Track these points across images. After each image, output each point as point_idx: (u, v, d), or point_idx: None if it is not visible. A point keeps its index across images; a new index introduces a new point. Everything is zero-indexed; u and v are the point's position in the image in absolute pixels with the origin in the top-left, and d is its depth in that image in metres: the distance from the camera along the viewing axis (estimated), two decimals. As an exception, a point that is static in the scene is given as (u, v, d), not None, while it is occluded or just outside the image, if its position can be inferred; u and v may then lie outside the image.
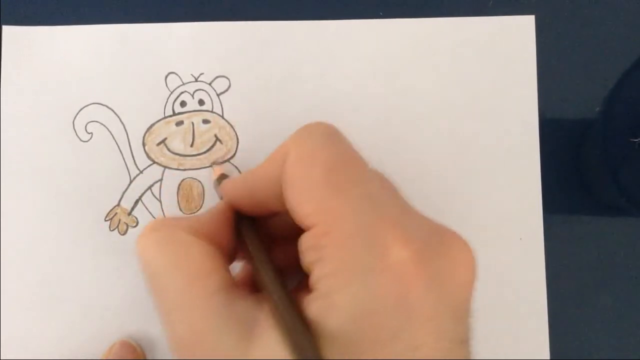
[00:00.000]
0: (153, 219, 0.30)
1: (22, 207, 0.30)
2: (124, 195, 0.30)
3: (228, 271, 0.18)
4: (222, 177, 0.26)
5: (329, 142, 0.17)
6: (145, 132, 0.30)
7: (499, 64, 0.30)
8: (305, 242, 0.16)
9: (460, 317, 0.16)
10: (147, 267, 0.18)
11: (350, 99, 0.30)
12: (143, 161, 0.30)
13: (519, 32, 0.31)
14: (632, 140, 0.26)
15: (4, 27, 0.31)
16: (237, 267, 0.22)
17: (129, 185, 0.30)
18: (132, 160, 0.30)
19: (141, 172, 0.30)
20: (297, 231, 0.17)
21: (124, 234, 0.29)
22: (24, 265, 0.29)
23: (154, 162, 0.30)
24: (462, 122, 0.30)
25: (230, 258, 0.20)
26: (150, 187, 0.30)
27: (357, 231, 0.15)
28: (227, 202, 0.21)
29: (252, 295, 0.17)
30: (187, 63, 0.31)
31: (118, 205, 0.30)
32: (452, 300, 0.16)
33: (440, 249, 0.16)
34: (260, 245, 0.19)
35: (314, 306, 0.15)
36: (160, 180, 0.30)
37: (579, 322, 0.29)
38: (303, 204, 0.16)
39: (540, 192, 0.30)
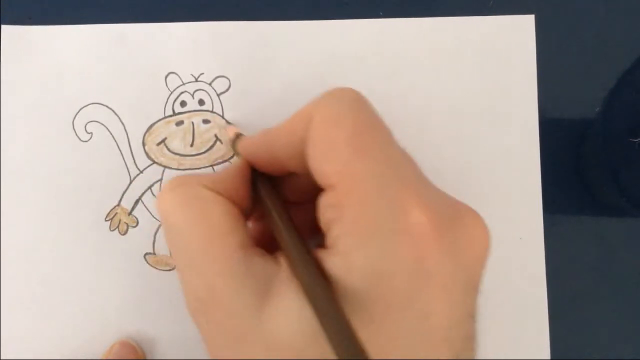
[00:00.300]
0: (154, 219, 0.30)
1: (22, 207, 0.30)
2: (124, 195, 0.30)
3: (246, 230, 0.18)
4: (239, 135, 0.26)
5: (355, 106, 0.17)
6: (145, 132, 0.30)
7: (499, 64, 0.30)
8: (325, 200, 0.16)
9: (471, 290, 0.16)
10: (167, 222, 0.18)
11: (350, 99, 0.30)
12: (143, 161, 0.30)
13: (519, 31, 0.31)
14: (632, 140, 0.26)
15: (4, 27, 0.31)
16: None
17: (129, 185, 0.30)
18: (132, 160, 0.30)
19: (141, 172, 0.30)
20: (313, 194, 0.17)
21: (124, 234, 0.29)
22: (24, 265, 0.29)
23: (154, 162, 0.30)
24: (462, 122, 0.30)
25: (246, 216, 0.20)
26: (150, 187, 0.30)
27: (378, 193, 0.15)
28: (244, 160, 0.21)
29: (269, 254, 0.18)
30: (187, 63, 0.31)
31: (118, 205, 0.30)
32: (466, 272, 0.16)
33: (457, 220, 0.16)
34: (279, 201, 0.19)
35: (331, 263, 0.15)
36: (161, 180, 0.30)
37: (579, 322, 0.29)
38: (326, 164, 0.16)
39: (540, 192, 0.30)
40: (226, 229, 0.17)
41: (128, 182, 0.30)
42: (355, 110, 0.17)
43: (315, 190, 0.18)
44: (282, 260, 0.17)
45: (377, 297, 0.15)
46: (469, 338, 0.16)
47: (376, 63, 0.31)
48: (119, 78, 0.31)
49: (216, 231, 0.17)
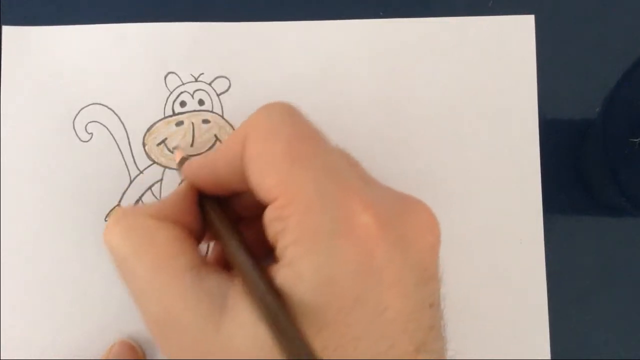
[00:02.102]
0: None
1: (22, 207, 0.30)
2: (124, 196, 0.30)
3: (196, 251, 0.18)
4: (184, 159, 0.26)
5: (287, 119, 0.18)
6: (146, 132, 0.30)
7: (499, 64, 0.30)
8: (269, 215, 0.17)
9: (425, 280, 0.17)
10: (115, 255, 0.18)
11: (350, 99, 0.30)
12: (143, 161, 0.30)
13: (519, 32, 0.31)
14: (632, 140, 0.26)
15: (4, 27, 0.31)
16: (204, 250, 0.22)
17: (129, 185, 0.30)
18: (132, 161, 0.30)
19: (141, 172, 0.30)
20: (260, 210, 0.17)
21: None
22: (24, 265, 0.29)
23: (154, 162, 0.30)
24: (462, 122, 0.30)
25: (197, 239, 0.21)
26: (150, 187, 0.30)
27: (318, 199, 0.16)
28: (189, 184, 0.21)
29: (223, 271, 0.18)
30: (187, 63, 0.31)
31: (118, 205, 0.30)
32: (416, 264, 0.16)
33: (402, 214, 0.17)
34: (226, 220, 0.19)
35: (280, 275, 0.16)
36: (161, 180, 0.30)
37: (579, 322, 0.29)
38: (265, 178, 0.17)
39: (540, 192, 0.30)
40: (173, 252, 0.18)
41: (128, 182, 0.30)
42: (287, 123, 0.17)
43: (263, 205, 0.18)
44: (236, 279, 0.17)
45: (328, 302, 0.15)
46: (432, 328, 0.16)
47: (376, 63, 0.31)
48: (119, 78, 0.31)
49: (163, 256, 0.17)
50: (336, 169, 0.17)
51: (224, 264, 0.19)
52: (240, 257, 0.17)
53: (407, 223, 0.17)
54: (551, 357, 0.28)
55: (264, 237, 0.17)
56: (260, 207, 0.17)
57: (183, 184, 0.21)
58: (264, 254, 0.18)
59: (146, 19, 0.31)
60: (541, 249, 0.29)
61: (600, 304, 0.30)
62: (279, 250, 0.16)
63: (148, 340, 0.29)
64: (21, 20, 0.31)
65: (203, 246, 0.22)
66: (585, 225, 0.30)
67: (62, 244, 0.29)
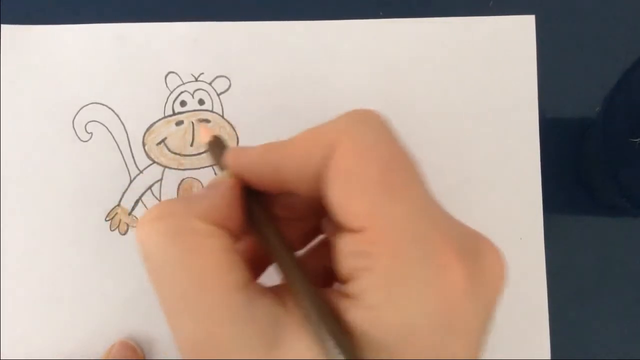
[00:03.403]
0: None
1: (22, 207, 0.30)
2: (124, 195, 0.30)
3: (245, 266, 0.16)
4: (218, 141, 0.21)
5: (385, 137, 0.16)
6: (145, 132, 0.30)
7: (499, 64, 0.30)
8: (350, 245, 0.15)
9: (489, 325, 0.16)
10: (150, 260, 0.15)
11: (350, 99, 0.30)
12: (143, 161, 0.30)
13: (519, 32, 0.31)
14: (632, 140, 0.26)
15: (4, 27, 0.31)
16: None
17: (129, 185, 0.30)
18: (132, 160, 0.30)
19: (141, 172, 0.30)
20: (307, 211, 0.16)
21: (124, 234, 0.29)
22: (24, 265, 0.29)
23: (154, 162, 0.30)
24: (462, 122, 0.30)
25: (237, 239, 0.18)
26: (150, 187, 0.30)
27: (412, 242, 0.14)
28: (234, 176, 0.18)
29: (270, 291, 0.16)
30: (187, 63, 0.31)
31: (118, 205, 0.30)
32: (486, 309, 0.15)
33: (480, 259, 0.15)
34: (278, 232, 0.17)
35: (358, 316, 0.14)
36: (161, 180, 0.30)
37: (579, 322, 0.29)
38: (353, 204, 0.15)
39: (541, 192, 0.30)
40: (224, 267, 0.15)
41: (128, 182, 0.30)
42: (385, 142, 0.16)
43: (311, 209, 0.16)
44: (288, 297, 0.15)
45: (406, 349, 0.14)
46: None
47: (376, 63, 0.31)
48: (118, 78, 0.30)
49: (212, 270, 0.15)
50: (428, 206, 0.15)
51: (254, 263, 0.18)
52: (302, 288, 0.15)
53: (485, 269, 0.15)
54: (551, 357, 0.28)
55: (301, 239, 0.16)
56: (305, 210, 0.16)
57: (226, 176, 0.18)
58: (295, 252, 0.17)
59: (146, 19, 0.31)
60: (541, 248, 0.29)
61: (600, 304, 0.30)
62: (358, 288, 0.15)
63: (148, 340, 0.29)
64: (21, 20, 0.31)
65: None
66: (585, 225, 0.30)
67: (62, 244, 0.29)
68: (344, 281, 0.15)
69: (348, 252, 0.15)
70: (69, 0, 0.32)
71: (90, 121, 0.30)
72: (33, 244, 0.29)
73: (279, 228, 0.17)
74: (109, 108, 0.30)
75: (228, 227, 0.16)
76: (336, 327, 0.14)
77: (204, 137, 0.21)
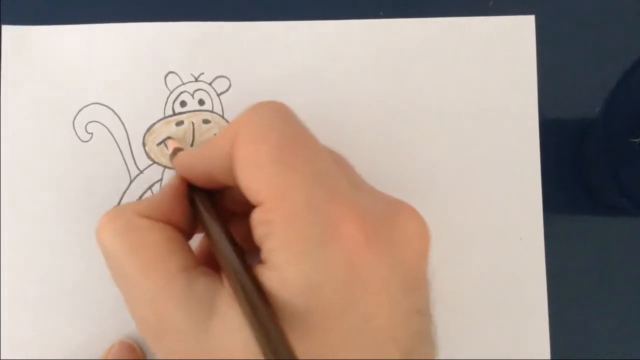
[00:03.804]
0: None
1: (22, 207, 0.30)
2: (125, 196, 0.30)
3: (188, 250, 0.18)
4: (177, 150, 0.26)
5: (278, 121, 0.18)
6: (146, 132, 0.30)
7: (499, 64, 0.30)
8: (256, 216, 0.17)
9: (413, 286, 0.17)
10: (107, 257, 0.18)
11: (350, 99, 0.30)
12: (143, 161, 0.30)
13: (519, 32, 0.31)
14: (632, 140, 0.26)
15: (4, 27, 0.31)
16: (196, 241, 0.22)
17: (130, 185, 0.30)
18: (133, 161, 0.30)
19: (141, 172, 0.30)
20: (251, 207, 0.17)
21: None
22: (24, 265, 0.29)
23: (154, 162, 0.30)
24: (462, 122, 0.30)
25: (189, 234, 0.21)
26: (150, 187, 0.30)
27: (305, 206, 0.16)
28: (180, 177, 0.21)
29: (213, 273, 0.18)
30: (187, 63, 0.31)
31: (119, 205, 0.30)
32: (404, 270, 0.16)
33: (391, 220, 0.17)
34: (216, 217, 0.19)
35: (266, 278, 0.16)
36: (161, 180, 0.30)
37: (579, 322, 0.29)
38: (253, 182, 0.17)
39: (541, 192, 0.30)
40: (164, 254, 0.18)
41: (128, 182, 0.30)
42: (278, 125, 0.17)
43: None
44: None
45: (313, 309, 0.15)
46: (420, 333, 0.16)
47: (376, 63, 0.31)
48: (119, 78, 0.31)
49: (154, 258, 0.17)
50: (325, 174, 0.17)
51: (212, 261, 0.19)
52: (227, 256, 0.17)
53: (394, 229, 0.17)
54: (551, 356, 0.28)
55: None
56: (250, 203, 0.17)
57: (173, 177, 0.21)
58: (255, 251, 0.18)
59: (146, 19, 0.31)
60: (541, 249, 0.29)
61: (600, 304, 0.30)
62: (264, 253, 0.16)
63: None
64: (21, 20, 0.31)
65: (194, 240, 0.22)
66: (585, 225, 0.30)
67: (62, 244, 0.29)
68: (259, 251, 0.17)
69: (255, 223, 0.17)
70: (69, 1, 0.32)
71: (90, 121, 0.30)
72: (33, 244, 0.29)
73: (220, 220, 0.19)
74: (110, 108, 0.30)
75: (172, 221, 0.19)
76: (250, 291, 0.15)
77: (169, 148, 0.27)
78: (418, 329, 0.16)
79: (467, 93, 0.30)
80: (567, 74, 0.31)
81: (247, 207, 0.18)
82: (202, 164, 0.20)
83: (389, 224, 0.17)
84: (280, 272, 0.15)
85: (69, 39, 0.31)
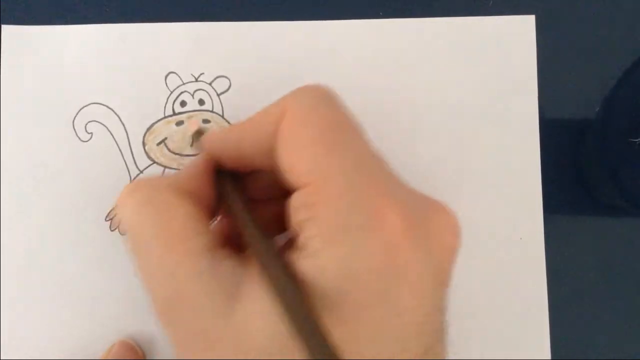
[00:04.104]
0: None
1: (22, 207, 0.30)
2: (124, 195, 0.30)
3: (211, 231, 0.18)
4: (200, 132, 0.25)
5: (326, 103, 0.17)
6: (146, 132, 0.30)
7: (499, 64, 0.30)
8: (297, 200, 0.16)
9: (441, 282, 0.17)
10: (128, 226, 0.17)
11: (350, 99, 0.30)
12: (143, 161, 0.30)
13: (519, 32, 0.31)
14: (631, 140, 0.26)
15: (4, 27, 0.31)
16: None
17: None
18: (132, 160, 0.30)
19: (141, 172, 0.30)
20: (277, 191, 0.17)
21: (124, 234, 0.29)
22: (24, 265, 0.29)
23: (154, 162, 0.30)
24: (462, 122, 0.30)
25: (211, 214, 0.20)
26: (150, 187, 0.30)
27: (349, 191, 0.15)
28: (207, 156, 0.20)
29: (237, 254, 0.17)
30: (187, 63, 0.31)
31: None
32: (436, 266, 0.16)
33: (427, 214, 0.17)
34: (244, 200, 0.19)
35: (303, 264, 0.15)
36: (161, 180, 0.30)
37: (579, 322, 0.29)
38: (297, 162, 0.16)
39: (541, 192, 0.30)
40: (191, 231, 0.17)
41: (128, 182, 0.30)
42: (326, 107, 0.17)
43: (280, 188, 0.17)
44: (251, 261, 0.17)
45: (349, 298, 0.15)
46: (438, 331, 0.16)
47: (376, 63, 0.31)
48: (119, 78, 0.31)
49: (181, 235, 0.17)
50: (368, 162, 0.17)
51: (235, 241, 0.19)
52: (259, 240, 0.17)
53: (431, 224, 0.16)
54: (551, 356, 0.28)
55: (276, 220, 0.17)
56: (275, 190, 0.17)
57: (201, 155, 0.20)
58: (274, 234, 0.18)
59: (146, 19, 0.31)
60: (541, 248, 0.29)
61: (600, 303, 0.30)
62: (302, 239, 0.16)
63: (148, 340, 0.29)
64: (21, 20, 0.31)
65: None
66: (585, 225, 0.30)
67: (62, 244, 0.29)
68: (296, 236, 0.17)
69: (295, 207, 0.16)
70: (69, 1, 0.32)
71: (90, 121, 0.30)
72: (33, 244, 0.29)
73: (248, 203, 0.19)
74: (109, 108, 0.30)
75: (198, 198, 0.18)
76: (285, 277, 0.15)
77: (190, 128, 0.26)
78: (438, 327, 0.16)
79: (467, 93, 0.30)
80: (567, 74, 0.31)
81: (270, 193, 0.17)
82: (238, 142, 0.19)
83: (426, 218, 0.16)
84: (319, 258, 0.15)
85: (69, 39, 0.31)
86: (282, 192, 0.18)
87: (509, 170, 0.30)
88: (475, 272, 0.29)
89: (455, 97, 0.30)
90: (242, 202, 0.19)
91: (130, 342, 0.28)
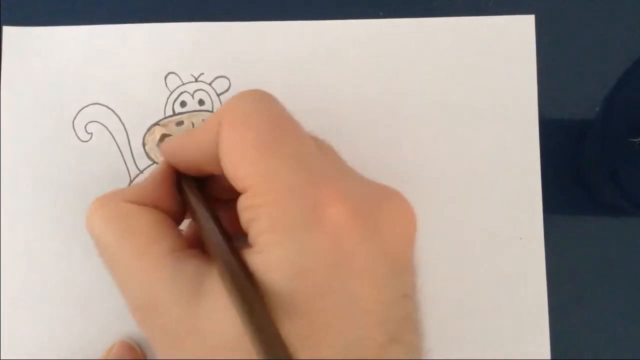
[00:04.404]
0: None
1: (22, 207, 0.30)
2: (124, 196, 0.30)
3: (176, 234, 0.19)
4: (164, 137, 0.26)
5: (260, 107, 0.18)
6: (146, 132, 0.30)
7: (499, 64, 0.30)
8: (242, 202, 0.17)
9: (399, 270, 0.17)
10: (97, 242, 0.18)
11: (351, 99, 0.30)
12: (143, 161, 0.30)
13: (519, 32, 0.31)
14: (631, 140, 0.26)
15: (4, 27, 0.31)
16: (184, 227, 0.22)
17: (129, 185, 0.30)
18: (132, 161, 0.30)
19: (141, 172, 0.30)
20: (237, 193, 0.17)
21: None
22: (24, 265, 0.29)
23: (154, 162, 0.30)
24: (462, 122, 0.30)
25: (178, 219, 0.21)
26: (150, 187, 0.30)
27: (289, 190, 0.16)
28: (167, 163, 0.21)
29: (202, 255, 0.18)
30: (187, 63, 0.31)
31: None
32: (389, 254, 0.16)
33: (377, 204, 0.17)
34: (202, 202, 0.20)
35: (252, 261, 0.16)
36: (161, 180, 0.30)
37: (579, 322, 0.29)
38: (237, 168, 0.17)
39: (541, 192, 0.30)
40: (153, 237, 0.18)
41: (128, 182, 0.30)
42: (261, 111, 0.18)
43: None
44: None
45: (298, 291, 0.15)
46: (405, 318, 0.16)
47: (376, 63, 0.31)
48: (119, 78, 0.31)
49: (143, 241, 0.18)
50: (308, 158, 0.17)
51: (201, 245, 0.20)
52: (215, 240, 0.17)
53: (381, 213, 0.17)
54: (551, 356, 0.28)
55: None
56: (235, 191, 0.17)
57: (161, 163, 0.21)
58: (242, 237, 0.18)
59: (146, 19, 0.31)
60: (541, 248, 0.29)
61: (600, 304, 0.30)
62: (251, 237, 0.16)
63: (148, 341, 0.29)
64: (21, 20, 0.31)
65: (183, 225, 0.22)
66: (585, 225, 0.30)
67: (62, 244, 0.29)
68: (246, 235, 0.17)
69: (241, 209, 0.17)
70: (69, 2, 0.32)
71: (90, 121, 0.30)
72: (33, 244, 0.29)
73: (208, 205, 0.19)
74: (109, 109, 0.30)
75: (158, 205, 0.19)
76: (236, 273, 0.16)
77: (157, 135, 0.27)
78: (405, 314, 0.16)
79: (467, 93, 0.30)
80: (567, 74, 0.31)
81: (234, 194, 0.18)
82: (188, 151, 0.20)
83: (375, 208, 0.17)
84: (266, 255, 0.16)
85: (69, 39, 0.31)
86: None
87: (509, 170, 0.30)
88: (475, 272, 0.29)
89: (455, 97, 0.30)
90: (201, 204, 0.19)
91: (130, 342, 0.28)
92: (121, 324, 0.29)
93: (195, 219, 0.20)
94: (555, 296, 0.29)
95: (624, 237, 0.30)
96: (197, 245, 0.19)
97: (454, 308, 0.29)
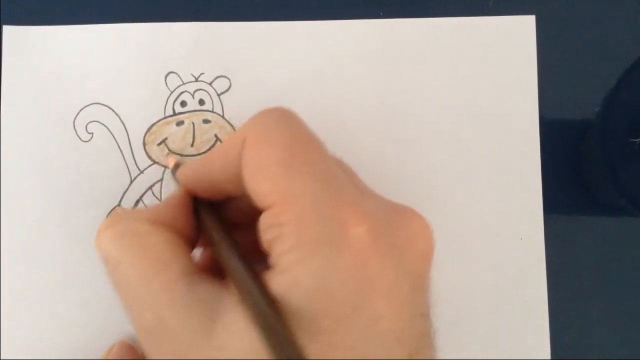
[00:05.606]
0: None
1: (23, 207, 0.30)
2: (125, 196, 0.30)
3: (189, 258, 0.18)
4: (177, 165, 0.26)
5: (284, 124, 0.18)
6: (146, 132, 0.30)
7: (499, 64, 0.30)
8: (264, 221, 0.17)
9: (418, 288, 0.17)
10: (107, 260, 0.18)
11: (350, 99, 0.30)
12: (144, 161, 0.30)
13: (519, 32, 0.31)
14: (631, 140, 0.26)
15: (4, 27, 0.31)
16: (198, 254, 0.22)
17: (130, 185, 0.30)
18: (133, 160, 0.30)
19: (142, 172, 0.30)
20: (255, 216, 0.17)
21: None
22: (24, 265, 0.29)
23: (155, 162, 0.30)
24: (462, 122, 0.30)
25: (191, 244, 0.21)
26: (151, 187, 0.30)
27: (313, 208, 0.16)
28: (184, 188, 0.21)
29: (215, 278, 0.18)
30: (187, 63, 0.31)
31: (119, 205, 0.30)
32: (410, 272, 0.16)
33: (396, 223, 0.17)
34: (220, 226, 0.19)
35: (275, 282, 0.16)
36: (161, 180, 0.30)
37: (579, 322, 0.29)
38: (261, 185, 0.17)
39: (541, 192, 0.30)
40: (166, 258, 0.17)
41: (129, 182, 0.30)
42: (284, 128, 0.17)
43: (257, 211, 0.18)
44: (230, 283, 0.17)
45: (323, 311, 0.15)
46: (423, 336, 0.17)
47: (376, 63, 0.31)
48: (119, 78, 0.31)
49: (156, 262, 0.17)
50: (331, 177, 0.17)
51: (215, 270, 0.19)
52: (233, 263, 0.17)
53: (400, 232, 0.17)
54: (551, 356, 0.28)
55: (258, 244, 0.17)
56: (254, 213, 0.17)
57: (178, 188, 0.21)
58: (257, 261, 0.18)
59: (146, 19, 0.31)
60: (541, 248, 0.29)
61: (600, 304, 0.30)
62: (273, 257, 0.16)
63: None
64: (21, 20, 0.31)
65: (196, 252, 0.22)
66: (585, 225, 0.30)
67: (63, 244, 0.29)
68: (268, 256, 0.17)
69: (262, 228, 0.17)
70: (69, 1, 0.32)
71: (91, 121, 0.30)
72: (33, 244, 0.29)
73: (225, 230, 0.19)
74: (110, 108, 0.30)
75: (174, 227, 0.19)
76: (258, 296, 0.15)
77: (169, 164, 0.27)
78: (422, 331, 0.16)
79: (467, 93, 0.30)
80: (567, 74, 0.31)
81: (251, 218, 0.18)
82: (208, 172, 0.20)
83: (395, 227, 0.17)
84: (290, 275, 0.15)
85: (69, 39, 0.31)
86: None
87: (509, 171, 0.30)
88: (475, 272, 0.29)
89: (455, 97, 0.30)
90: (218, 228, 0.19)
91: (130, 342, 0.28)
92: (121, 324, 0.29)
93: (212, 242, 0.19)
94: (555, 296, 0.29)
95: (624, 237, 0.30)
96: (208, 272, 0.19)
97: (454, 308, 0.29)
